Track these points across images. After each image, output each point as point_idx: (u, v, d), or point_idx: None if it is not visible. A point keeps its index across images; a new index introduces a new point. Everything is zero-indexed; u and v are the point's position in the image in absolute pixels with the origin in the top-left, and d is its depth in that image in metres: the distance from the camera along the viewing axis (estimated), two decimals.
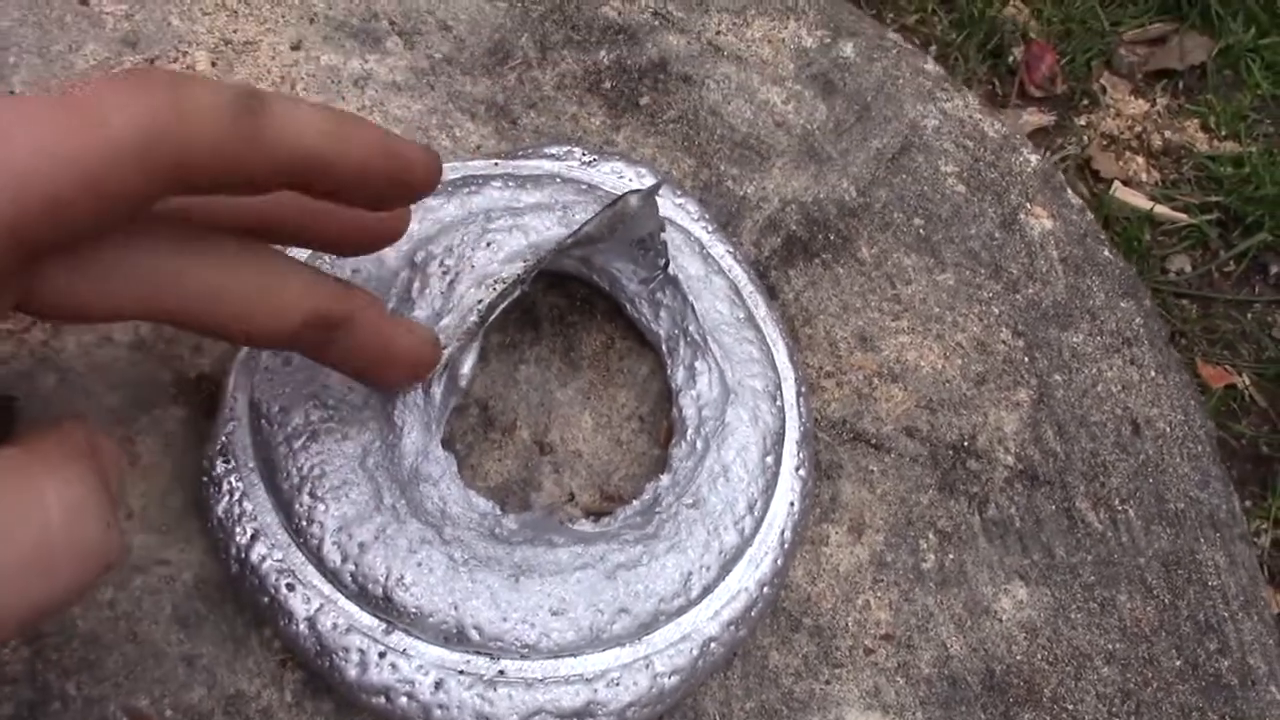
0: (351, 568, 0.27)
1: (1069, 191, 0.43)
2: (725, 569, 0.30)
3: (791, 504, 0.31)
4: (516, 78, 0.38)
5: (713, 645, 0.29)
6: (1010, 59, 1.07)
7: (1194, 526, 0.37)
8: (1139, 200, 1.01)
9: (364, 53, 0.37)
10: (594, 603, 0.28)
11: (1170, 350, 0.41)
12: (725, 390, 0.32)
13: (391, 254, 0.30)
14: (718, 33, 0.42)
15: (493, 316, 0.29)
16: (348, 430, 0.28)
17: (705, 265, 0.34)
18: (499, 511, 0.29)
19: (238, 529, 0.27)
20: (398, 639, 0.26)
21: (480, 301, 0.29)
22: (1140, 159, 1.05)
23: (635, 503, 0.30)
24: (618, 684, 0.27)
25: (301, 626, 0.26)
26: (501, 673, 0.27)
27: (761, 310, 0.34)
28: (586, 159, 0.35)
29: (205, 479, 0.28)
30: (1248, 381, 0.93)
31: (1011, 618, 0.34)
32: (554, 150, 0.35)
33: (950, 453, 0.36)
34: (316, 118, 0.20)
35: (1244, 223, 1.00)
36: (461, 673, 0.26)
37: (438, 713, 0.26)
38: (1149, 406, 0.39)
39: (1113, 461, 0.37)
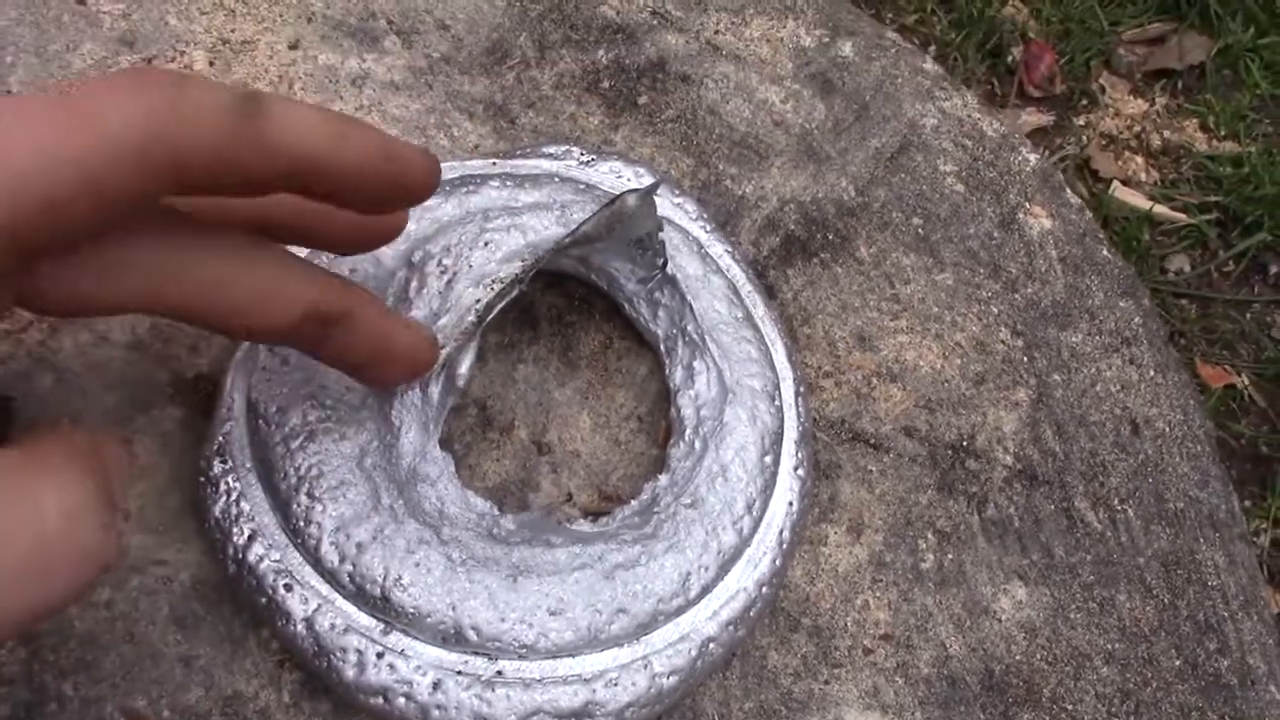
0: (349, 568, 0.26)
1: (1068, 191, 0.43)
2: (724, 569, 0.30)
3: (790, 504, 0.31)
4: (515, 77, 0.38)
5: (711, 645, 0.29)
6: (1009, 59, 1.07)
7: (1193, 526, 0.37)
8: (1138, 200, 1.01)
9: (362, 52, 0.37)
10: (592, 603, 0.28)
11: (1169, 350, 0.41)
12: (723, 390, 0.32)
13: (389, 253, 0.30)
14: (716, 32, 0.42)
15: (490, 316, 0.29)
16: (345, 430, 0.28)
17: (703, 265, 0.34)
18: (497, 512, 0.28)
19: (235, 529, 0.27)
20: (395, 639, 0.26)
21: (478, 301, 0.29)
22: (1139, 159, 1.05)
23: (633, 503, 0.30)
24: (616, 684, 0.27)
25: (299, 627, 0.26)
26: (499, 673, 0.27)
27: (760, 310, 0.34)
28: (585, 158, 0.35)
29: (202, 479, 0.28)
30: (1247, 381, 0.93)
31: (1011, 618, 0.34)
32: (552, 150, 0.35)
33: (949, 452, 0.36)
34: (316, 120, 0.20)
35: (1243, 222, 1.00)
36: (459, 673, 0.26)
37: (435, 713, 0.26)
38: (1148, 406, 0.39)
39: (1112, 461, 0.37)
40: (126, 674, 0.26)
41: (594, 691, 0.27)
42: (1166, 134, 1.06)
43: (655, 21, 0.41)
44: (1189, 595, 0.36)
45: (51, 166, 0.17)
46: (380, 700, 0.26)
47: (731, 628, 0.29)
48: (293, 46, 0.36)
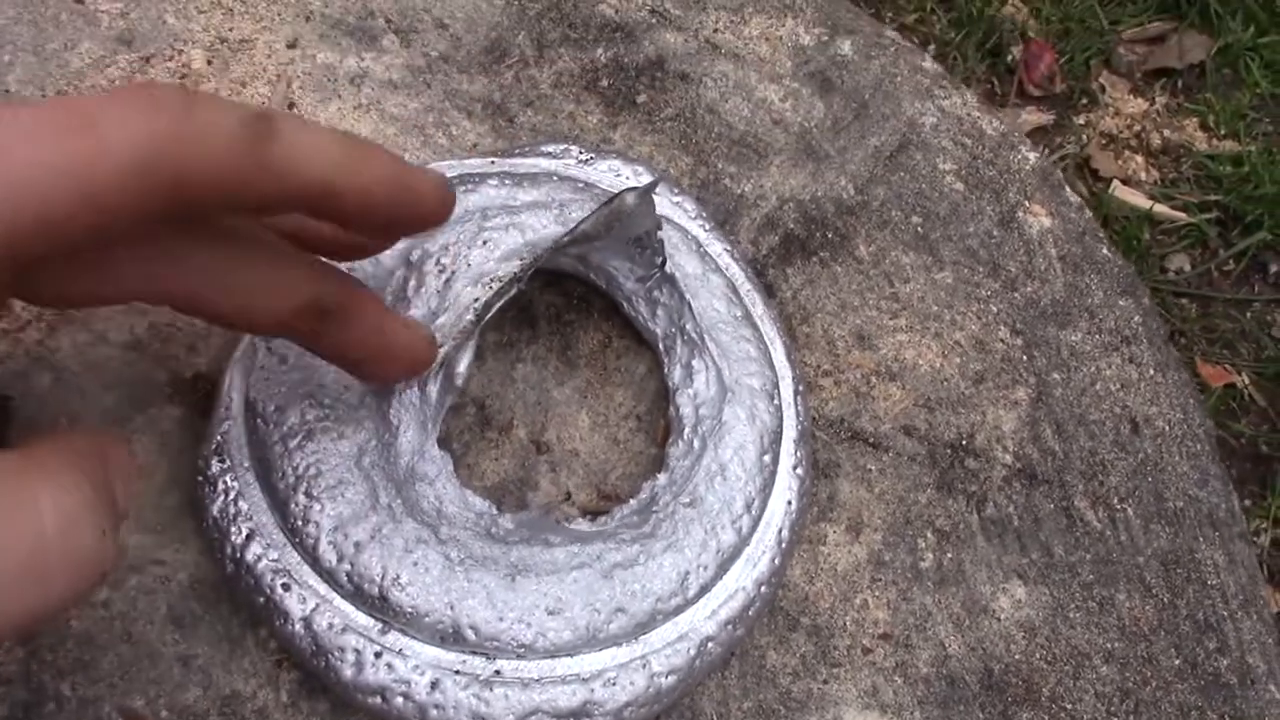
0: (347, 567, 0.26)
1: (1067, 189, 0.43)
2: (723, 568, 0.30)
3: (789, 503, 0.31)
4: (513, 76, 0.38)
5: (710, 645, 0.29)
6: (1009, 58, 1.07)
7: (1193, 525, 0.37)
8: (1138, 199, 1.01)
9: (360, 51, 0.37)
10: (591, 602, 0.28)
11: (1169, 349, 0.41)
12: (722, 389, 0.31)
13: (387, 252, 0.30)
14: (715, 30, 0.42)
15: (489, 315, 0.29)
16: (343, 429, 0.28)
17: (702, 263, 0.34)
18: (495, 511, 0.28)
19: (233, 529, 0.27)
20: (394, 639, 0.26)
21: (476, 300, 0.29)
22: (1139, 158, 1.04)
23: (632, 502, 0.30)
24: (614, 684, 0.27)
25: (297, 626, 0.26)
26: (498, 673, 0.27)
27: (759, 308, 0.34)
28: (583, 157, 0.35)
29: (200, 478, 0.28)
30: (1247, 380, 0.93)
31: (1010, 617, 0.34)
32: (551, 148, 0.35)
33: (948, 451, 0.36)
34: (328, 144, 0.19)
35: (1243, 221, 1.00)
36: (457, 673, 0.26)
37: (434, 713, 0.26)
38: (1148, 405, 0.39)
39: (1111, 460, 0.37)
40: (124, 673, 0.26)
41: (592, 691, 0.27)
42: (1166, 133, 1.06)
43: (654, 20, 0.41)
44: (1188, 594, 0.36)
45: (50, 180, 0.17)
46: (378, 700, 0.26)
47: (730, 627, 0.29)
48: (291, 45, 0.36)
